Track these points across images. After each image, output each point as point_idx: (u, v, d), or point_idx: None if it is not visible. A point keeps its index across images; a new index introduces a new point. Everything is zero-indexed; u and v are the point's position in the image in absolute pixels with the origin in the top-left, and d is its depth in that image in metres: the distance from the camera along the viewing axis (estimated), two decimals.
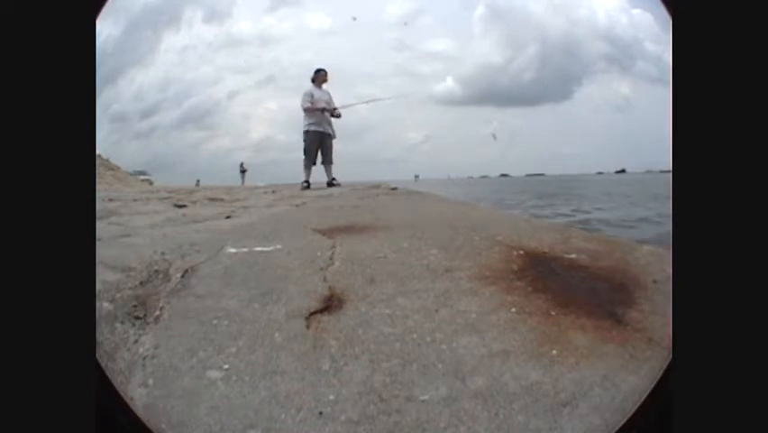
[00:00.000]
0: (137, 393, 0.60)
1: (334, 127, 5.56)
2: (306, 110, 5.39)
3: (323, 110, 5.36)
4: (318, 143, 5.45)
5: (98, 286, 0.91)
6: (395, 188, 4.83)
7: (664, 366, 0.54)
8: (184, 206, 3.07)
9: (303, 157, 5.46)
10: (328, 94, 5.51)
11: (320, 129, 5.41)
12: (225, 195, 4.32)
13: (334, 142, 5.58)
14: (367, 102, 6.53)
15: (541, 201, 12.42)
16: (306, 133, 5.43)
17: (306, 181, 5.45)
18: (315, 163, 5.50)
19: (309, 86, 5.45)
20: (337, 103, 5.56)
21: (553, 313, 0.80)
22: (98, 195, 3.38)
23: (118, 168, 13.60)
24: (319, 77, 5.46)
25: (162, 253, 1.27)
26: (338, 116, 5.52)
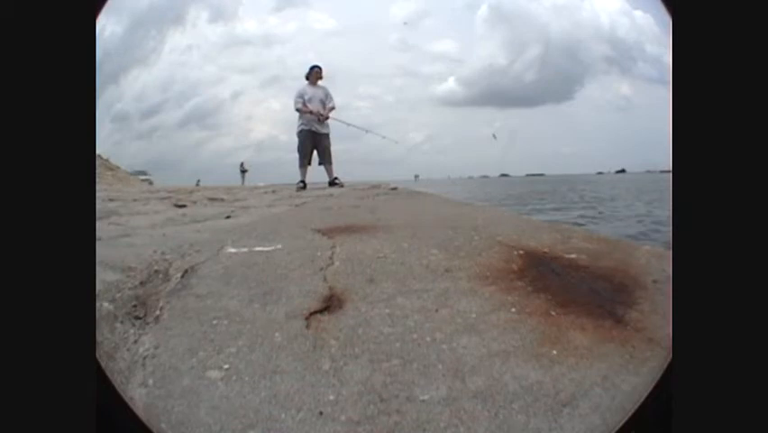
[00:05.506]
0: (137, 393, 0.60)
1: (330, 126, 5.47)
2: (297, 111, 5.34)
3: (310, 112, 5.29)
4: (312, 143, 5.39)
5: (98, 286, 0.91)
6: (395, 188, 4.83)
7: (664, 366, 0.54)
8: (184, 206, 3.07)
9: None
10: (324, 90, 5.41)
11: (312, 129, 5.33)
12: (225, 195, 4.32)
13: (333, 141, 5.54)
14: (357, 127, 6.33)
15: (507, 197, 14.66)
16: (299, 133, 5.38)
17: (302, 181, 5.41)
18: (309, 163, 5.45)
19: (303, 84, 5.39)
20: (336, 99, 5.49)
21: (553, 313, 0.80)
22: (98, 195, 3.38)
23: (118, 168, 13.59)
24: (313, 74, 5.39)
25: (162, 253, 1.27)
26: (331, 110, 5.41)
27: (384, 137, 7.12)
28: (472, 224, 1.68)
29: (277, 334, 0.75)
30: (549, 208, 9.43)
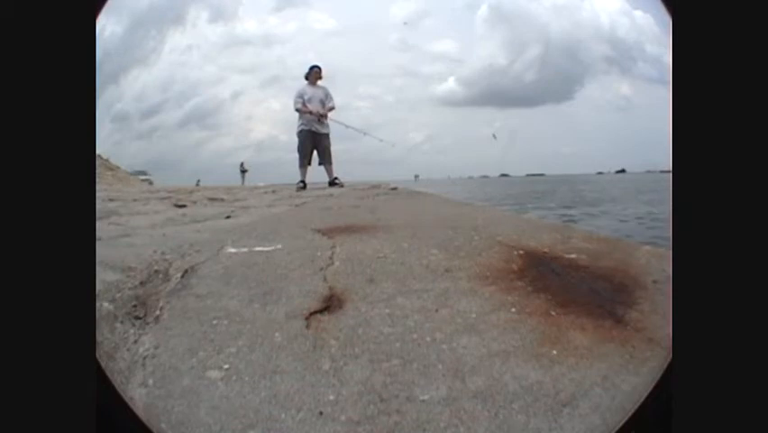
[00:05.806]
0: (137, 393, 0.60)
1: (330, 126, 5.47)
2: (297, 111, 5.34)
3: (310, 112, 5.29)
4: (312, 143, 5.39)
5: (98, 286, 0.91)
6: (395, 188, 4.83)
7: (664, 366, 0.54)
8: (184, 206, 3.07)
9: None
10: (323, 90, 5.40)
11: (312, 129, 5.33)
12: (225, 195, 4.32)
13: (333, 141, 5.54)
14: (354, 129, 6.24)
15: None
16: (299, 133, 5.37)
17: (302, 181, 5.41)
18: (309, 163, 5.45)
19: (303, 84, 5.39)
20: (336, 99, 5.49)
21: (553, 313, 0.81)
22: (98, 195, 3.38)
23: (118, 168, 13.59)
24: (313, 74, 5.39)
25: (162, 253, 1.27)
26: (331, 110, 5.43)
27: (381, 140, 7.10)
28: (472, 224, 1.68)
29: (277, 334, 0.75)
30: (537, 207, 9.68)
